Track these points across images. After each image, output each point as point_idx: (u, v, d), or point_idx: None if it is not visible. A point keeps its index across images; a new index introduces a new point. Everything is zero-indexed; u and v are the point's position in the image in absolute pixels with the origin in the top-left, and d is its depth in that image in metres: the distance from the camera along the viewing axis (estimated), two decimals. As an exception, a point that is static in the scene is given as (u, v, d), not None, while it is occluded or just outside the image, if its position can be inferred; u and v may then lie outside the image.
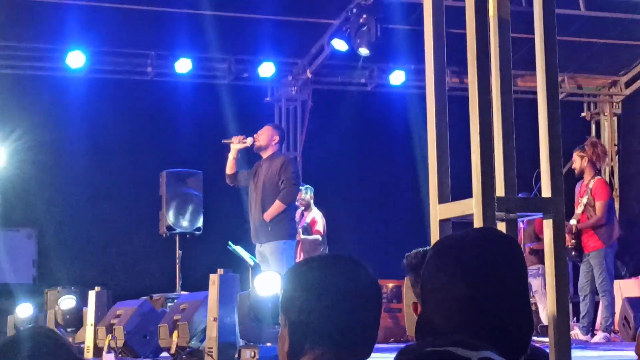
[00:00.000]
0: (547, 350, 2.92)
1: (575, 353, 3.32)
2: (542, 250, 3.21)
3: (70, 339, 10.22)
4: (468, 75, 3.17)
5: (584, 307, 9.87)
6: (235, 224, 10.96)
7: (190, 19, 12.37)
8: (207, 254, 11.16)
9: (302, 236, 11.26)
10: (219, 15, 12.44)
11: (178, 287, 11.17)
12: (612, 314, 9.88)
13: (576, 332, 9.73)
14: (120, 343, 8.68)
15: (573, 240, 9.66)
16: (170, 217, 11.36)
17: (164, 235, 11.55)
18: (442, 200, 3.28)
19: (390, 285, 11.51)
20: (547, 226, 3.14)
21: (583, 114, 15.22)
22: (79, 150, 13.13)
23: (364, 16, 11.96)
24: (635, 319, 10.15)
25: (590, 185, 9.78)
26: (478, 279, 2.12)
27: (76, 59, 12.80)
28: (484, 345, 1.72)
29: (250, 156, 9.21)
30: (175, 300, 9.59)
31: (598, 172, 10.18)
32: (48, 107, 12.95)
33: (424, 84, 3.45)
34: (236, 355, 7.38)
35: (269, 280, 7.45)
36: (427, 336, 2.07)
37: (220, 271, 7.78)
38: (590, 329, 9.91)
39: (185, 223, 11.40)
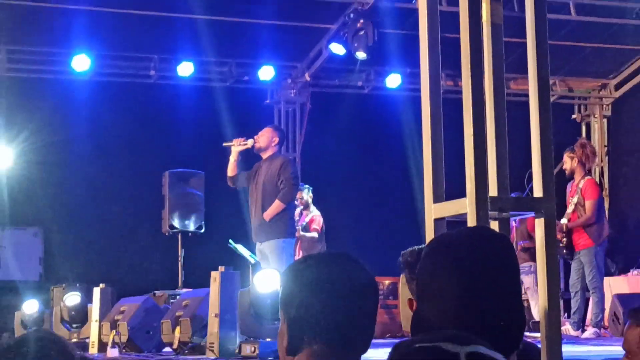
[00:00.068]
0: (539, 346, 2.92)
1: (566, 348, 3.31)
2: (534, 248, 3.21)
3: (76, 335, 10.21)
4: (462, 78, 3.18)
5: (574, 304, 9.87)
6: (236, 223, 10.95)
7: (192, 23, 12.36)
8: (208, 252, 11.16)
9: (301, 233, 11.28)
10: (220, 20, 12.45)
11: (180, 284, 11.17)
12: (602, 310, 9.88)
13: (567, 328, 9.73)
14: (124, 338, 8.67)
15: (564, 239, 9.66)
16: (172, 216, 11.36)
17: (166, 234, 11.54)
18: (437, 199, 3.28)
19: (387, 282, 11.50)
20: (539, 225, 3.14)
21: (574, 116, 15.23)
22: (84, 151, 13.12)
23: (361, 21, 11.96)
24: (624, 315, 10.15)
25: (581, 185, 9.79)
26: (471, 276, 2.12)
27: (81, 63, 12.80)
28: (476, 339, 1.72)
29: (250, 157, 9.20)
30: (178, 297, 9.59)
31: (588, 172, 10.18)
32: (54, 109, 12.94)
33: (419, 87, 3.45)
34: (237, 350, 7.38)
35: (268, 278, 7.45)
36: (423, 332, 2.07)
37: (222, 269, 7.77)
38: (580, 325, 9.91)
39: (187, 222, 11.40)
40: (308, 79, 13.90)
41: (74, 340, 10.08)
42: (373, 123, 14.31)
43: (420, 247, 3.19)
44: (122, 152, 13.28)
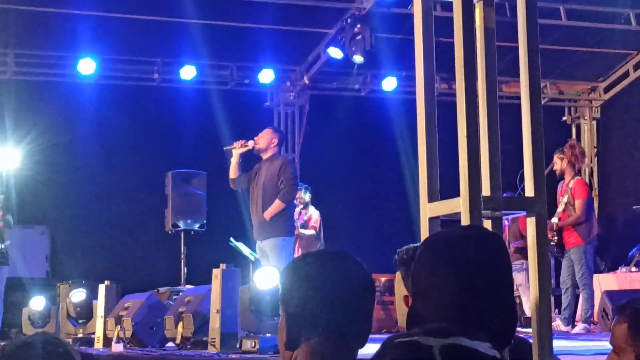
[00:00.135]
0: (531, 341, 2.92)
1: (556, 343, 3.31)
2: (526, 247, 3.21)
3: (81, 330, 10.22)
4: (456, 81, 3.17)
5: (565, 300, 9.87)
6: (236, 221, 10.96)
7: (194, 28, 12.36)
8: (210, 250, 11.16)
9: (300, 230, 11.29)
10: (222, 25, 12.44)
11: (183, 281, 11.16)
12: (592, 306, 9.88)
13: (558, 324, 9.73)
14: (128, 334, 8.66)
15: (555, 237, 9.66)
16: (175, 215, 11.36)
17: (169, 233, 11.54)
18: (431, 199, 3.28)
19: (383, 279, 11.51)
20: (530, 224, 3.14)
21: (564, 118, 15.24)
22: (89, 152, 13.12)
23: (358, 26, 11.96)
24: (612, 311, 10.15)
25: (571, 185, 9.79)
26: (465, 274, 2.12)
27: (87, 66, 12.80)
28: (465, 332, 1.68)
29: (250, 158, 9.20)
30: (181, 294, 9.58)
31: (578, 172, 10.18)
32: (60, 112, 12.94)
33: (414, 90, 3.44)
34: (238, 345, 7.37)
35: (268, 275, 7.44)
36: (417, 327, 2.07)
37: (223, 266, 7.77)
38: (571, 321, 9.91)
39: (189, 221, 11.40)
40: (307, 82, 13.90)
41: (80, 335, 10.09)
42: (370, 125, 14.31)
43: (416, 245, 3.18)
44: (127, 153, 13.28)
